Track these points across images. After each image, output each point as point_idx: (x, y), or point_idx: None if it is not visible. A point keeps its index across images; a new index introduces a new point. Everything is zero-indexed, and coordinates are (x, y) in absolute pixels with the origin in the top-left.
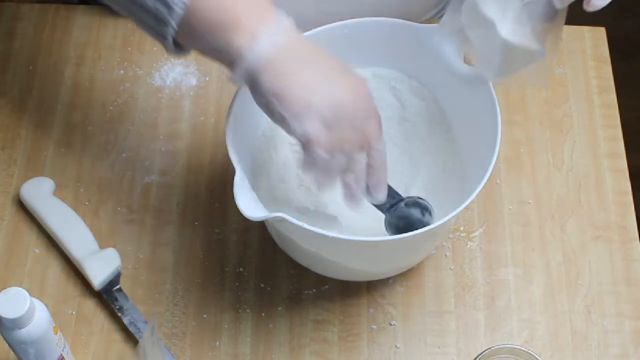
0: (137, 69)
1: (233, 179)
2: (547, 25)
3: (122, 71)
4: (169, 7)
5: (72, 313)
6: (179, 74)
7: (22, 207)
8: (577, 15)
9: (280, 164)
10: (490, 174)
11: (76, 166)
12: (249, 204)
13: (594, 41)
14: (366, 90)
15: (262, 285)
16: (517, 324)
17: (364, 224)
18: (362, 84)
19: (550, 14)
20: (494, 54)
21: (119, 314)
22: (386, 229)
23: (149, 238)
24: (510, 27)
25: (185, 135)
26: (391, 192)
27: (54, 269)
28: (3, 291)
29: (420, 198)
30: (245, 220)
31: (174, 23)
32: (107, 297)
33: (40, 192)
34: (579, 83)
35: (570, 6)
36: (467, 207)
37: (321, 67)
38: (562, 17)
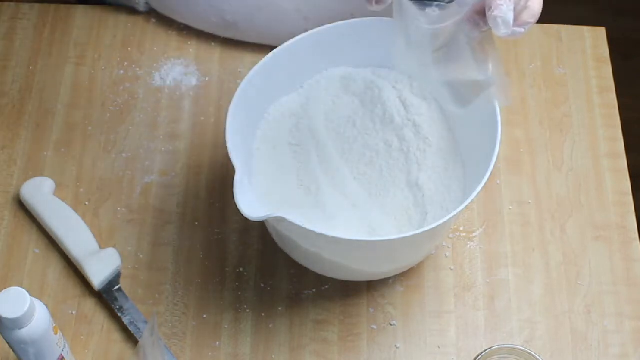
0: (137, 69)
1: (233, 179)
2: (478, 50)
3: (122, 71)
4: None
5: (72, 313)
6: (179, 74)
7: (22, 207)
8: (577, 16)
9: (280, 164)
10: (490, 174)
11: (76, 166)
12: (249, 204)
13: (594, 41)
14: None
15: (262, 285)
16: (517, 324)
17: (364, 223)
18: None
19: (472, 41)
20: (443, 93)
21: (119, 314)
22: None
23: (149, 238)
24: (437, 67)
25: (185, 135)
26: None
27: (54, 269)
28: (3, 291)
29: None
30: (245, 220)
31: None
32: (107, 297)
33: (40, 192)
34: (579, 83)
35: (571, 6)
36: (467, 207)
37: None
38: (490, 41)
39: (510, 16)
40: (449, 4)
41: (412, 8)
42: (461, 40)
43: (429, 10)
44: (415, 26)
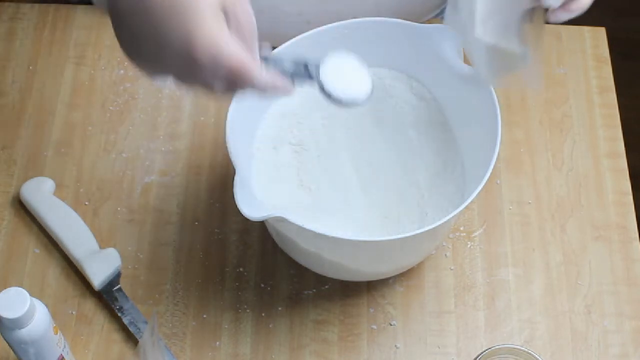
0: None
1: (233, 179)
2: (526, 26)
3: (122, 71)
4: None
5: (72, 313)
6: None
7: (22, 207)
8: (577, 15)
9: (280, 164)
10: (490, 174)
11: (76, 166)
12: (249, 204)
13: (594, 41)
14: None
15: (262, 285)
16: (517, 324)
17: (364, 223)
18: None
19: (525, 14)
20: (481, 57)
21: (119, 314)
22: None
23: (149, 238)
24: (485, 27)
25: (185, 135)
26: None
27: (54, 269)
28: (3, 291)
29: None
30: (245, 220)
31: None
32: (107, 297)
33: (40, 192)
34: (579, 83)
35: None
36: (467, 207)
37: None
38: (540, 18)
39: None
40: None
41: None
42: (514, 9)
43: None
44: None
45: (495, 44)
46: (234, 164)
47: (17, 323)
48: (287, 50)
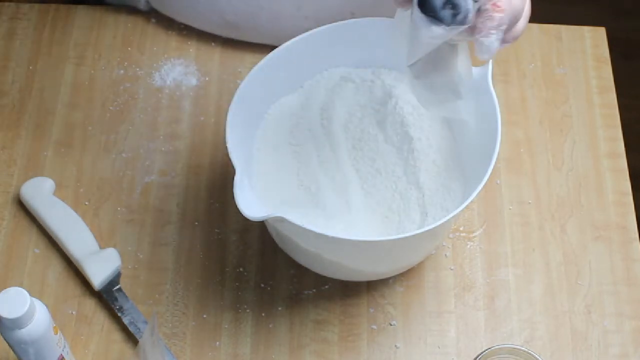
0: (137, 69)
1: (233, 179)
2: (453, 60)
3: (122, 71)
4: None
5: (72, 313)
6: (179, 74)
7: (22, 207)
8: (577, 16)
9: (280, 164)
10: (490, 174)
11: (76, 166)
12: (249, 204)
13: (594, 41)
14: None
15: (262, 285)
16: (517, 324)
17: (364, 223)
18: None
19: (451, 50)
20: (415, 90)
21: (119, 314)
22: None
23: (149, 238)
24: (413, 69)
25: (185, 135)
26: None
27: (54, 269)
28: (3, 291)
29: None
30: (245, 220)
31: None
32: (107, 297)
33: (40, 192)
34: (579, 83)
35: (571, 6)
36: (467, 207)
37: None
38: (465, 50)
39: (496, 46)
40: (456, 26)
41: (419, 20)
42: (441, 48)
43: (434, 27)
44: (413, 33)
45: (425, 82)
46: (234, 164)
47: (17, 323)
48: (285, 51)
